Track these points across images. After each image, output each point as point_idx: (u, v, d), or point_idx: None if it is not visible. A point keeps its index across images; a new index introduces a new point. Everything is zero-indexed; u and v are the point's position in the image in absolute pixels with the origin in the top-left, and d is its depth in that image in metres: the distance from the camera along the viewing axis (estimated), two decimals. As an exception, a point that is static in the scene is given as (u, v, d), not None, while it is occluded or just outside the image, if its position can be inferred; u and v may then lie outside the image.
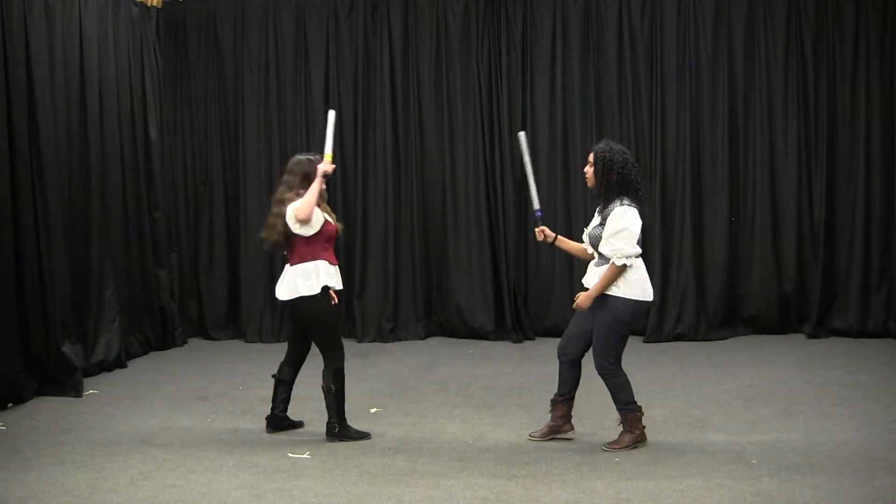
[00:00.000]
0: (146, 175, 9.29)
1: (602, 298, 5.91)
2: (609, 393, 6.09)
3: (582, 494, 5.19)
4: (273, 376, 6.53)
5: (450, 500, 5.17)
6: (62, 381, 7.57)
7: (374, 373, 8.35)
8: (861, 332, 9.29)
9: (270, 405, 6.51)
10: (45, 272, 7.56)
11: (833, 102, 9.42)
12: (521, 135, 6.58)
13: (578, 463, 5.71)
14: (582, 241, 6.20)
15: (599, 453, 5.88)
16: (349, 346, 9.57)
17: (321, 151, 6.37)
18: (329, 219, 6.29)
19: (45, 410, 7.15)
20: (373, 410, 7.03)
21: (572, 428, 6.25)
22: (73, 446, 6.23)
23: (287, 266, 6.29)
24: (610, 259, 5.85)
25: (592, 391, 7.22)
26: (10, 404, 7.19)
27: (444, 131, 9.79)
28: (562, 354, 6.16)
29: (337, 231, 6.35)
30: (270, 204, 6.39)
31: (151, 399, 7.49)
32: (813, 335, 9.34)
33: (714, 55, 9.52)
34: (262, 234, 6.36)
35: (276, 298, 6.40)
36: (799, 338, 9.37)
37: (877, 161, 9.36)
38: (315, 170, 6.22)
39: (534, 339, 9.61)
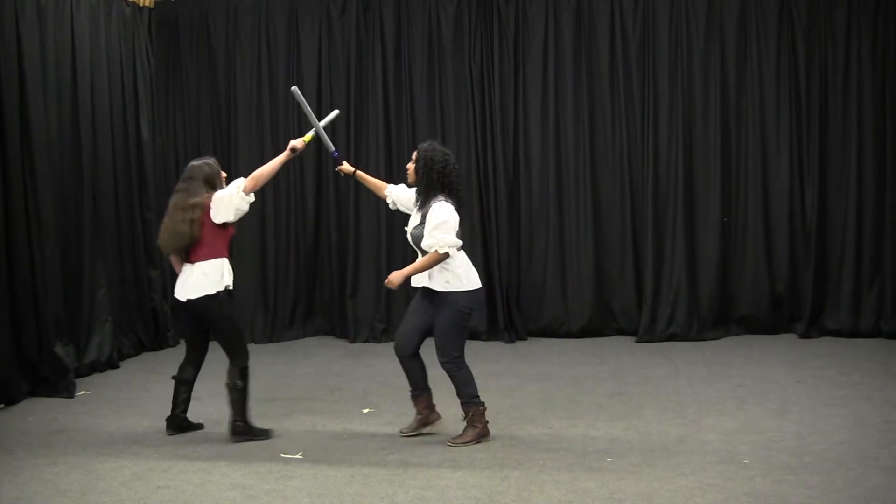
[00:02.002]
0: (138, 175, 9.27)
1: (438, 298, 6.03)
2: (455, 387, 6.14)
3: (574, 495, 5.19)
4: (173, 377, 6.49)
5: (442, 500, 5.17)
6: (54, 381, 7.56)
7: (367, 373, 8.34)
8: (853, 332, 9.30)
9: (171, 406, 6.45)
10: (37, 273, 7.54)
11: (825, 103, 9.43)
12: (294, 89, 6.72)
13: (571, 463, 5.71)
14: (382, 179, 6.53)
15: (592, 453, 5.88)
16: (341, 346, 9.62)
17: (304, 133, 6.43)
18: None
19: (38, 411, 7.13)
20: (365, 411, 7.02)
21: (439, 416, 6.35)
22: (66, 447, 6.21)
23: (186, 265, 6.21)
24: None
25: (584, 391, 7.23)
26: (1, 405, 7.19)
27: (436, 131, 9.77)
28: (401, 351, 6.24)
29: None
30: (168, 212, 6.24)
31: (144, 400, 7.47)
32: (805, 335, 9.35)
33: (706, 55, 9.52)
34: (167, 242, 6.20)
35: (177, 299, 6.24)
36: (791, 338, 9.38)
37: (868, 161, 9.37)
38: (217, 173, 6.25)
39: (526, 340, 9.61)
